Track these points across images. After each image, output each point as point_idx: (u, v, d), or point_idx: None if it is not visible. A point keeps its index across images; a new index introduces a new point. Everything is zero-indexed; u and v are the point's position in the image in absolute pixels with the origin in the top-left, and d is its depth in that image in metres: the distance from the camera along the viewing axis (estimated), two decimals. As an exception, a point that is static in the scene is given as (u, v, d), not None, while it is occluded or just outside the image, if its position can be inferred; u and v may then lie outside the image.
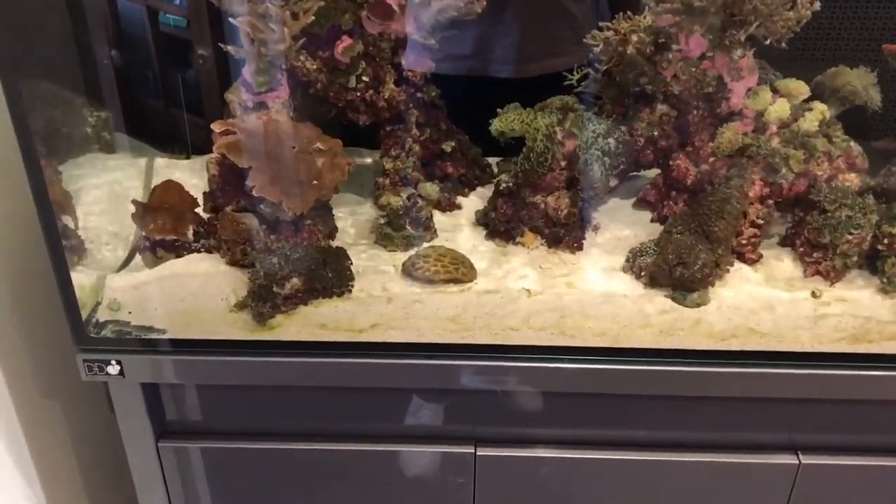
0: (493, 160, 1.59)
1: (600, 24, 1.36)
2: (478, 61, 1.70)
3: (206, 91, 1.60)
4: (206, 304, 1.29)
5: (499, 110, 1.34)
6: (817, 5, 1.20)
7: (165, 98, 1.66)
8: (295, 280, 1.25)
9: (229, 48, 1.25)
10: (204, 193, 1.38)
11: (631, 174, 1.49)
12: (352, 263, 1.31)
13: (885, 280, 1.28)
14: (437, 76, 1.44)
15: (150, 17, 1.71)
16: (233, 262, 1.30)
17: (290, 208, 1.25)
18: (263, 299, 1.25)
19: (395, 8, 1.31)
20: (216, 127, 1.25)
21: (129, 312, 1.29)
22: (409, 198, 1.40)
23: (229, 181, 1.32)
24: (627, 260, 1.33)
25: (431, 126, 1.47)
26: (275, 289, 1.24)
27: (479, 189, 1.55)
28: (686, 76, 1.28)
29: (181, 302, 1.29)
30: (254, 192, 1.23)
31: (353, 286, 1.29)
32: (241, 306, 1.27)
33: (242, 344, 1.26)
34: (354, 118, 1.39)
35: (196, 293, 1.29)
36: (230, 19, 1.22)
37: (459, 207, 1.50)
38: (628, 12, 1.35)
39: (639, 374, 1.24)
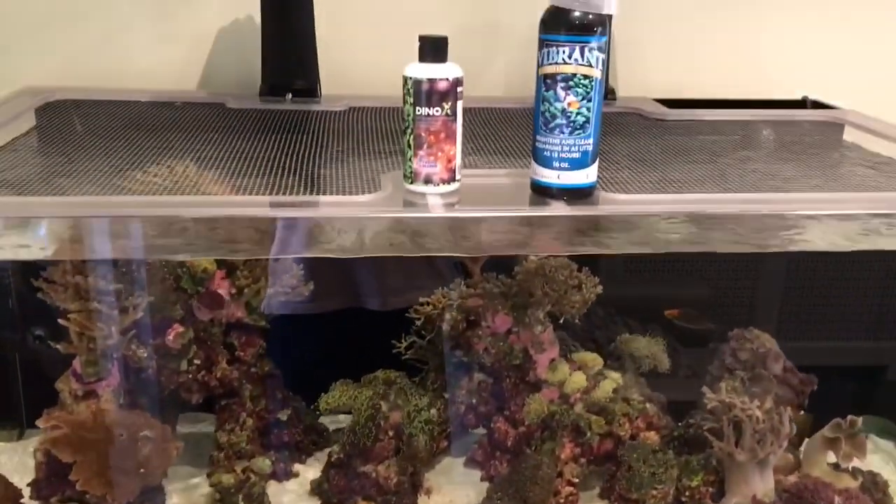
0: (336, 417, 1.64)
1: (420, 299, 1.49)
2: (345, 298, 1.79)
3: (45, 367, 1.62)
4: None
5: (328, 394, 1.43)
6: (600, 288, 1.37)
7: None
8: (119, 574, 1.24)
9: (59, 346, 1.30)
10: (30, 483, 1.37)
11: (461, 434, 1.57)
12: (180, 550, 1.30)
13: (690, 530, 1.38)
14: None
15: None
16: (55, 558, 1.27)
17: (115, 499, 1.25)
18: None
19: (226, 296, 1.40)
20: (42, 423, 1.27)
21: None
22: (243, 471, 1.42)
23: (55, 471, 1.32)
24: (456, 525, 1.39)
25: (266, 397, 1.53)
26: (97, 585, 1.22)
27: (317, 454, 1.59)
28: (495, 350, 1.40)
29: None
30: (77, 487, 1.23)
31: (181, 574, 1.28)
32: None
33: None
34: (187, 398, 1.43)
35: None
36: (59, 320, 1.27)
37: (296, 475, 1.53)
38: (444, 289, 1.49)
39: None
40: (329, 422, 1.64)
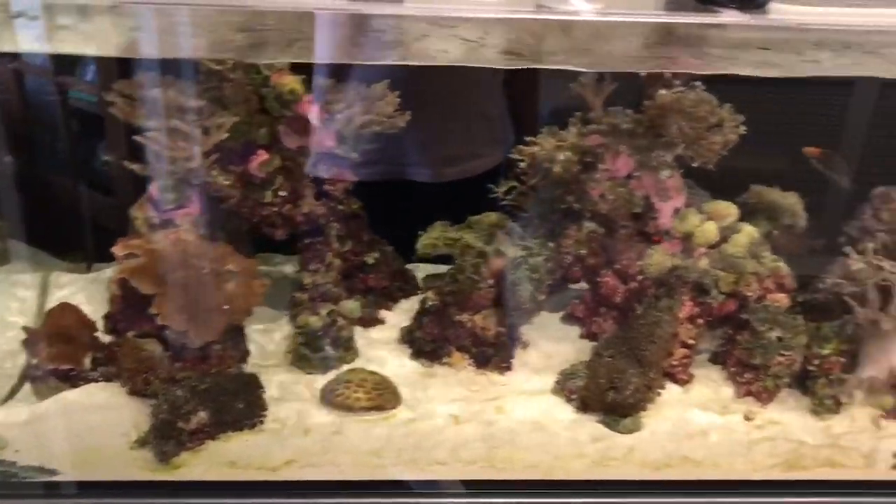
0: (417, 265, 1.53)
1: (526, 138, 1.33)
2: (394, 166, 1.64)
3: (113, 196, 1.51)
4: (104, 440, 1.17)
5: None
6: (743, 129, 1.20)
7: (67, 204, 1.56)
8: (201, 413, 1.15)
9: (134, 166, 1.17)
10: (104, 316, 1.28)
11: (558, 288, 1.45)
12: (264, 391, 1.22)
13: (815, 401, 1.26)
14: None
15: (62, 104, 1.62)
16: (134, 393, 1.20)
17: (198, 337, 1.16)
18: (166, 436, 1.14)
19: (315, 122, 1.26)
20: (119, 250, 1.16)
21: (16, 451, 1.17)
22: (329, 314, 1.32)
23: (132, 304, 1.23)
24: (558, 382, 1.29)
25: (353, 238, 1.41)
26: (179, 424, 1.14)
27: (402, 302, 1.48)
28: (613, 196, 1.25)
29: (77, 438, 1.18)
30: (159, 321, 1.14)
31: (265, 417, 1.20)
32: (142, 443, 1.16)
33: (143, 485, 1.15)
34: (270, 233, 1.32)
35: (93, 428, 1.18)
36: (135, 137, 1.14)
37: (382, 322, 1.43)
38: (554, 127, 1.33)
39: (572, 508, 1.18)
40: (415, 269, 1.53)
